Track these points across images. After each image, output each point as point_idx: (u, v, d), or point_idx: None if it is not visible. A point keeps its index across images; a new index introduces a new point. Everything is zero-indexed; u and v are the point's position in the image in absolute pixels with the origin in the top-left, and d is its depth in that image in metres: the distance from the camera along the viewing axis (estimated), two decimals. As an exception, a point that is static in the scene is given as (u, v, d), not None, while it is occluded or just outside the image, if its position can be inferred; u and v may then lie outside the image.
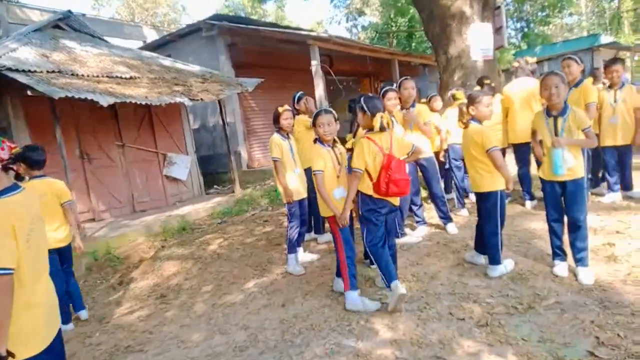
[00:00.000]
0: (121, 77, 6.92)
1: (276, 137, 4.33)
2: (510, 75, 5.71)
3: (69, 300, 3.90)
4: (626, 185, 5.06)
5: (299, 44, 9.77)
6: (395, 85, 4.72)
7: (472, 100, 3.47)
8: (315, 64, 9.36)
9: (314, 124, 3.37)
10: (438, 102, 5.92)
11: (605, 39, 16.22)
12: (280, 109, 4.32)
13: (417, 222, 4.82)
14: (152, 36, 16.06)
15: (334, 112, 3.40)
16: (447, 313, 2.98)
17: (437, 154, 5.31)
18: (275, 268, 4.47)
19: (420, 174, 4.84)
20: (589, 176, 5.02)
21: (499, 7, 7.89)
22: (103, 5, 30.93)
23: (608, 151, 4.99)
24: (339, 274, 3.53)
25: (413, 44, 20.69)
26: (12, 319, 1.62)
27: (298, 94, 5.16)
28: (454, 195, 5.56)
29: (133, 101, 6.13)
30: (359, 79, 15.23)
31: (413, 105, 4.64)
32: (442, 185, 5.21)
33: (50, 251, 3.52)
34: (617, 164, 4.97)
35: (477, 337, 2.65)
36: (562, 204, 3.31)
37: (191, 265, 5.02)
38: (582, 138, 3.23)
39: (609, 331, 2.51)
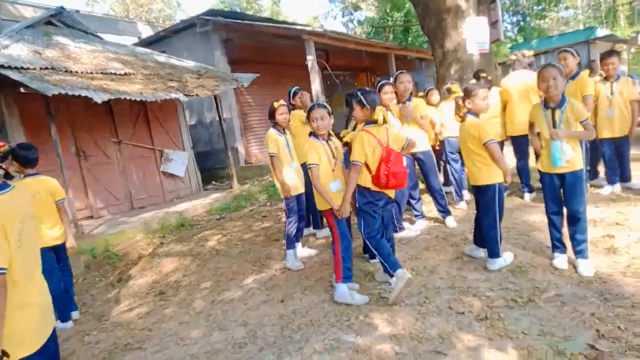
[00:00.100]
0: (115, 74, 6.85)
1: (272, 132, 4.31)
2: (508, 68, 5.69)
3: (67, 298, 3.87)
4: (625, 177, 5.07)
5: (294, 39, 9.71)
6: (391, 79, 4.70)
7: (468, 93, 3.46)
8: (311, 59, 9.30)
9: (308, 118, 3.41)
10: (435, 96, 5.89)
11: (601, 32, 16.17)
12: (275, 104, 4.29)
13: (416, 216, 4.82)
14: (146, 32, 15.93)
15: (327, 106, 3.43)
16: (447, 307, 2.97)
17: (433, 147, 5.30)
18: (274, 264, 4.46)
19: (417, 167, 4.83)
20: (588, 168, 5.03)
21: (494, 1, 7.87)
22: (97, 1, 30.80)
23: (605, 143, 5.00)
24: (337, 268, 3.53)
25: (409, 38, 20.65)
26: (6, 319, 1.60)
27: (294, 89, 5.14)
28: (452, 188, 5.56)
29: (128, 97, 6.08)
30: (355, 73, 15.17)
31: (409, 99, 4.62)
32: (441, 178, 5.19)
33: (46, 249, 3.56)
34: (614, 156, 4.98)
35: (476, 331, 2.64)
36: (561, 196, 3.31)
37: (190, 262, 5.00)
38: (581, 130, 3.23)
39: (609, 324, 2.50)
